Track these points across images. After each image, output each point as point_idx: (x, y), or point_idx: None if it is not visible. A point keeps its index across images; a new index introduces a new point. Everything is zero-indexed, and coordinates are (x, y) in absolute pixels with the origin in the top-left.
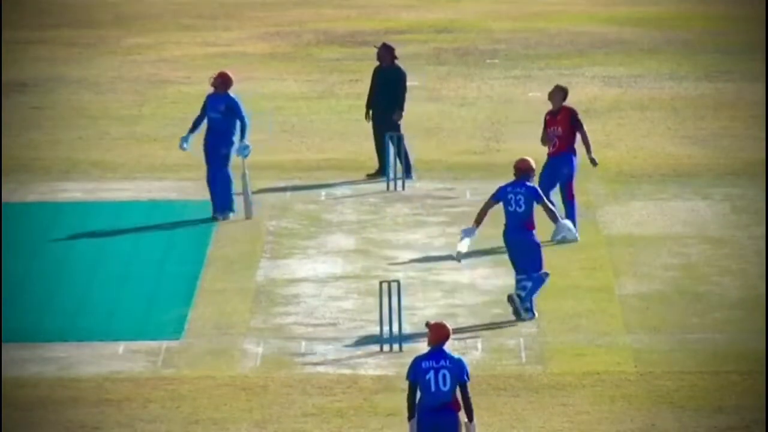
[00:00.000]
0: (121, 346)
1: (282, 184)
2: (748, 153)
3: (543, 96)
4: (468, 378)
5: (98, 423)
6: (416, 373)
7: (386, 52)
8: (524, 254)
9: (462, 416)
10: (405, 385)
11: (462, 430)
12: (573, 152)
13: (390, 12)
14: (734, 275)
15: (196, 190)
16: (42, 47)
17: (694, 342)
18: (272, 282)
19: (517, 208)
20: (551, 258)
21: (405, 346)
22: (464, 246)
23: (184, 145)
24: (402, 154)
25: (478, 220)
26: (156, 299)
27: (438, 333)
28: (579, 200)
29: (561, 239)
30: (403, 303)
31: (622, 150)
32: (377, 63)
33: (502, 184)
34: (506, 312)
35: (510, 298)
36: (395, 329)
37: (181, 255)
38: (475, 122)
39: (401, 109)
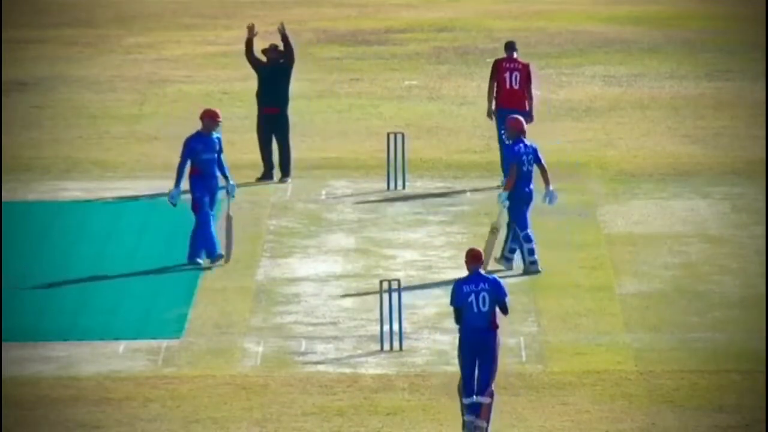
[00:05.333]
0: (121, 345)
1: (282, 183)
2: (748, 152)
3: (543, 94)
4: (506, 295)
5: (98, 422)
6: (459, 297)
7: (273, 52)
8: (529, 209)
9: (500, 335)
10: (406, 384)
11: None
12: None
13: (390, 11)
14: (734, 274)
15: None
16: (42, 46)
17: (694, 341)
18: (272, 281)
19: (529, 167)
20: (551, 258)
21: (405, 345)
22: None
23: (176, 202)
24: (285, 151)
25: (510, 187)
26: (156, 298)
27: (473, 257)
28: (579, 199)
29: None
30: (403, 302)
31: (623, 149)
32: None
33: (511, 144)
34: None
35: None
36: (395, 328)
37: (181, 254)
38: (475, 121)
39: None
